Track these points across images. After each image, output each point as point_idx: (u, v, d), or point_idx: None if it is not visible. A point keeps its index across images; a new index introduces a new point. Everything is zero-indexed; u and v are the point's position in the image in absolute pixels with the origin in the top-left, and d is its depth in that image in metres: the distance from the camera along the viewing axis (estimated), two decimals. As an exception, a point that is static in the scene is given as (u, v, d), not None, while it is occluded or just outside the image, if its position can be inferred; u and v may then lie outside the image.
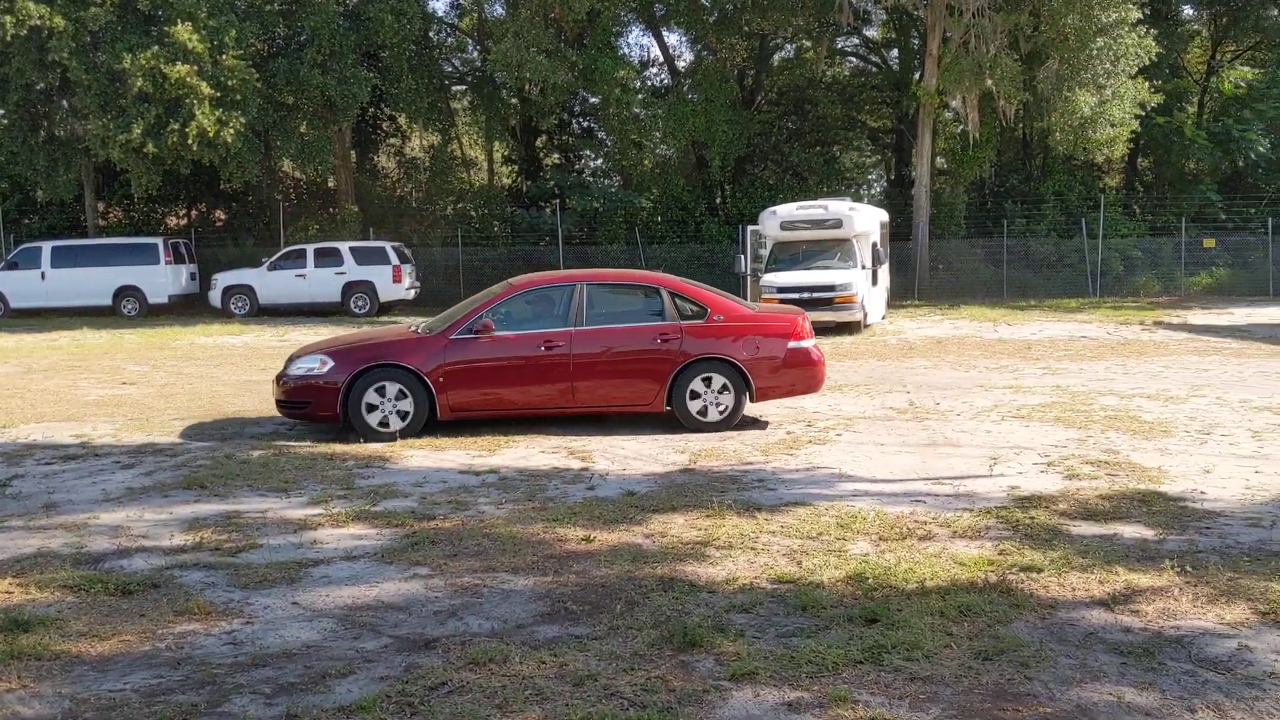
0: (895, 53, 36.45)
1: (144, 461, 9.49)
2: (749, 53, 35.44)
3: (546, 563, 6.35)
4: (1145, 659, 4.90)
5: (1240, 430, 10.50)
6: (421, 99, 30.27)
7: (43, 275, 26.89)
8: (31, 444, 10.47)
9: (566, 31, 30.20)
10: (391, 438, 10.20)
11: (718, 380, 10.67)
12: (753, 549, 6.61)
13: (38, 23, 23.63)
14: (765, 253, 22.97)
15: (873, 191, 37.85)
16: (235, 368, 16.68)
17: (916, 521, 7.25)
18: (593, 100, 32.74)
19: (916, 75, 31.90)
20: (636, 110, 32.77)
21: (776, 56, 36.37)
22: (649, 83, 35.36)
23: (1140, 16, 27.69)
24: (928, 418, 11.43)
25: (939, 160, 35.41)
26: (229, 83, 24.55)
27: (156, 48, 24.21)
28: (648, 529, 7.07)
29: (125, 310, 27.07)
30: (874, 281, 22.53)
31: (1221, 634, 5.20)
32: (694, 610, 5.50)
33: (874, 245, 22.65)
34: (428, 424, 10.46)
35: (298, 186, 34.94)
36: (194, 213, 34.14)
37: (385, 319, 26.56)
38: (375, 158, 35.90)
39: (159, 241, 27.63)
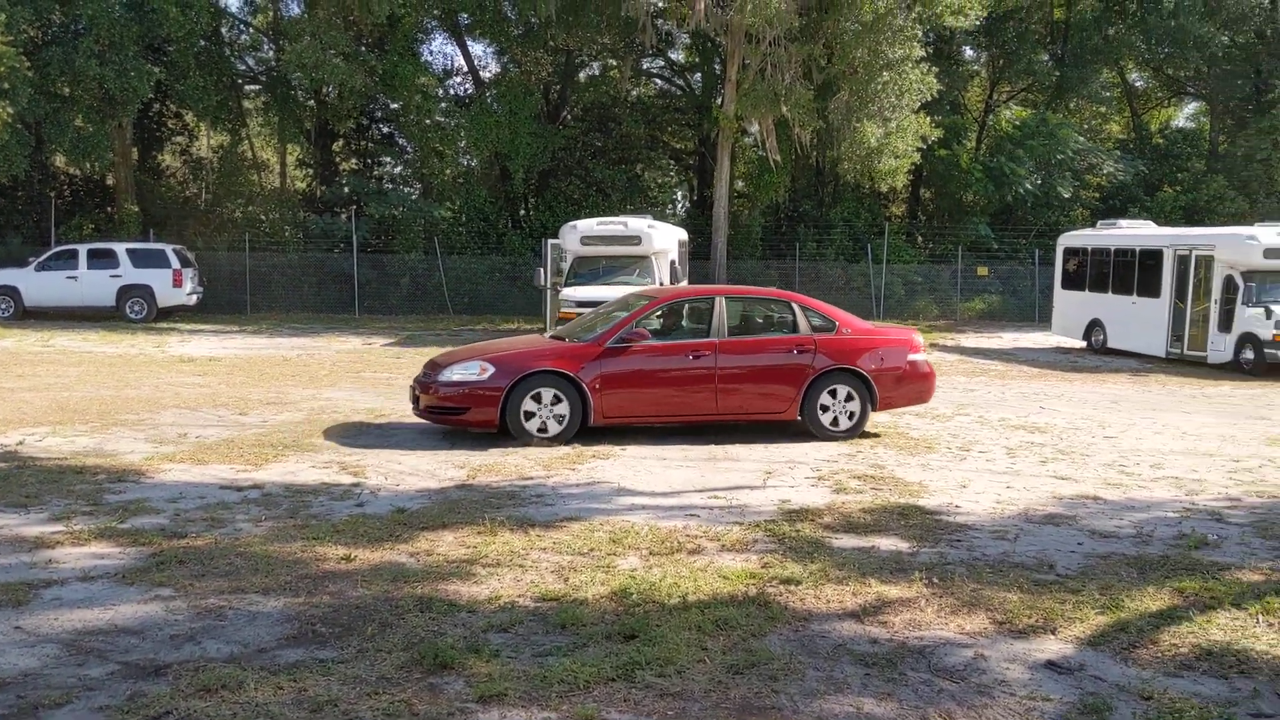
0: (699, 77, 37.14)
1: None
2: (555, 68, 35.46)
3: (300, 583, 6.07)
4: (888, 669, 5.05)
5: (997, 447, 11.09)
6: (210, 96, 28.91)
7: None
8: None
9: (366, 35, 29.49)
10: (549, 443, 10.46)
11: (845, 391, 11.22)
12: (520, 566, 6.51)
13: None
14: (565, 266, 22.95)
15: (676, 211, 38.39)
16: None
17: (688, 535, 7.31)
18: (394, 106, 31.99)
19: (718, 100, 32.63)
20: (439, 118, 32.27)
21: (583, 73, 36.51)
22: (452, 92, 34.87)
23: (924, 54, 29.12)
24: (706, 433, 11.58)
25: (739, 183, 36.34)
26: (-6, 69, 22.84)
27: (-89, 28, 22.31)
28: (413, 547, 6.86)
29: None
30: (671, 299, 22.81)
31: (960, 643, 5.41)
32: (450, 631, 5.35)
33: (672, 263, 22.93)
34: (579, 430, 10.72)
35: (73, 183, 32.77)
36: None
37: (164, 325, 25.24)
38: (160, 156, 34.04)
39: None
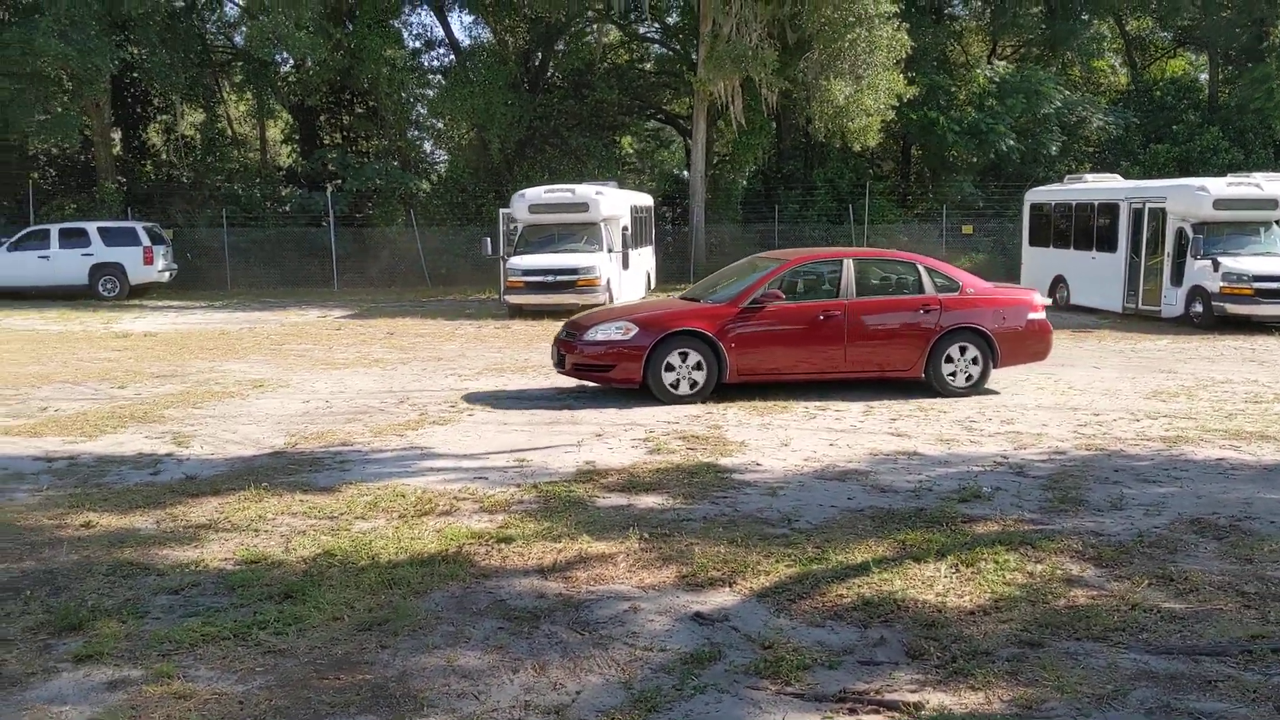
0: (677, 44, 36.87)
1: None
2: (534, 36, 35.33)
3: (20, 549, 6.20)
4: (527, 624, 5.09)
5: (859, 406, 11.00)
6: (178, 73, 29.13)
7: None
8: None
9: (333, 7, 29.52)
10: (687, 400, 11.03)
11: (968, 348, 11.56)
12: (254, 531, 6.60)
13: None
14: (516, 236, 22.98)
15: (655, 176, 38.25)
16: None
17: (454, 498, 7.36)
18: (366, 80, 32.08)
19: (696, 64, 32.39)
20: (418, 90, 32.33)
21: (560, 41, 36.33)
22: (436, 63, 34.93)
23: (895, 10, 28.66)
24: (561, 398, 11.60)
25: (721, 147, 36.09)
26: (-50, 51, 23.18)
27: None
28: (164, 513, 6.97)
29: None
30: (625, 265, 22.77)
31: (626, 597, 5.43)
32: (117, 593, 5.45)
33: (624, 229, 22.87)
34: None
35: (55, 163, 33.24)
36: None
37: (134, 302, 25.60)
38: (144, 135, 34.39)
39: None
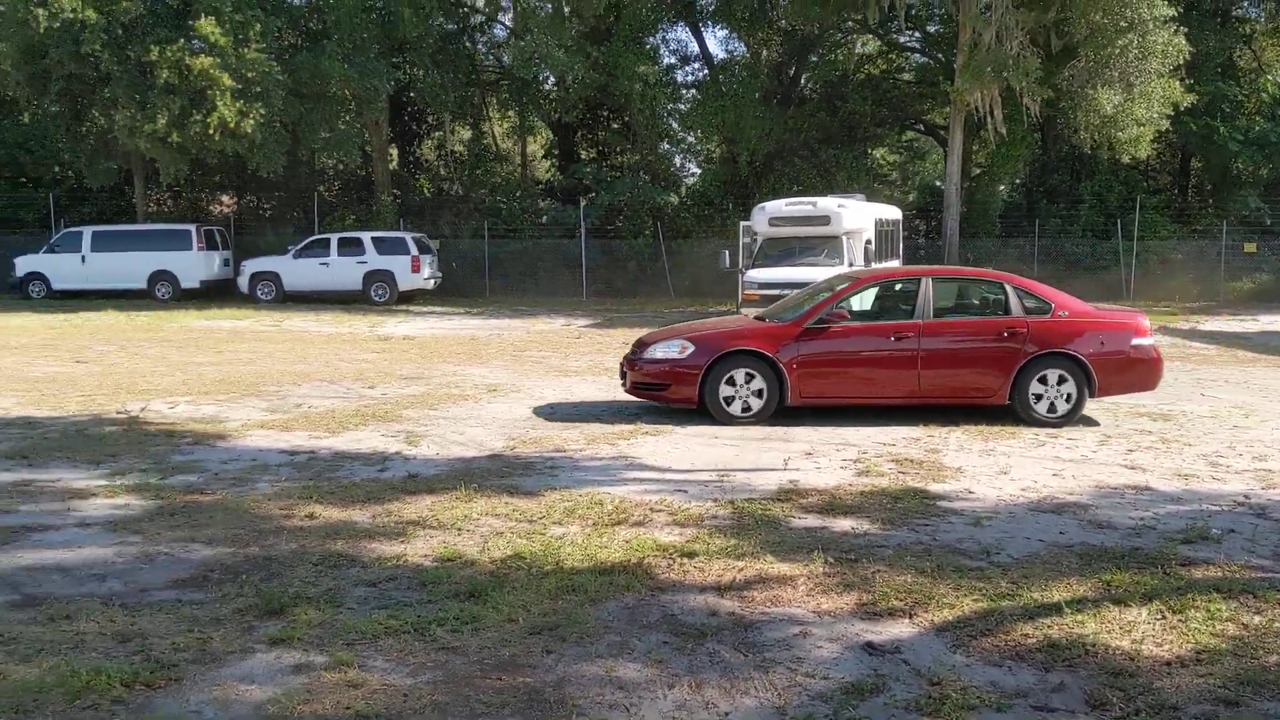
0: (939, 53, 35.89)
1: (3, 433, 10.17)
2: (787, 48, 35.30)
3: (247, 535, 6.75)
4: (692, 640, 5.09)
5: (1093, 435, 10.37)
6: (448, 93, 30.94)
7: (83, 259, 28.39)
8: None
9: (592, 26, 30.53)
10: (747, 421, 10.77)
11: (1058, 375, 10.81)
12: (457, 529, 6.91)
13: (70, 15, 24.90)
14: (755, 248, 23.01)
15: (912, 188, 37.34)
16: (195, 350, 17.43)
17: (650, 509, 7.45)
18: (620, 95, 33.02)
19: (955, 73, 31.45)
20: (670, 105, 32.98)
21: (814, 53, 36.12)
22: (690, 78, 35.56)
23: (1173, 14, 26.82)
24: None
25: (981, 158, 34.86)
26: (248, 74, 25.52)
27: (183, 40, 25.32)
28: (383, 508, 7.41)
29: (159, 294, 28.38)
30: (867, 279, 22.36)
31: (799, 621, 5.34)
32: (321, 582, 5.84)
33: (867, 243, 22.47)
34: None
35: (340, 177, 36.02)
36: (238, 201, 35.48)
37: (401, 307, 27.37)
38: (418, 151, 36.74)
39: (192, 228, 28.87)
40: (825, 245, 22.12)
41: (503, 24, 35.95)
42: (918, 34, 37.16)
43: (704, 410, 10.92)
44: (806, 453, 9.51)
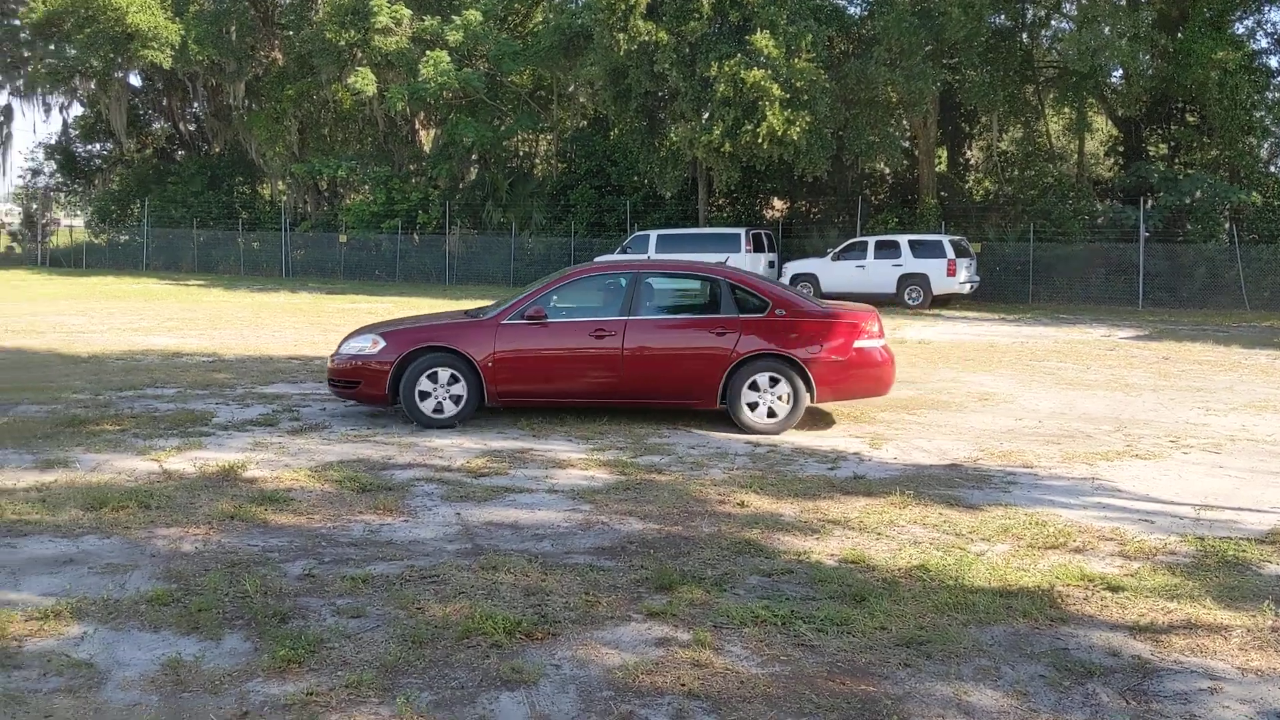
0: None
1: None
2: None
3: (678, 515, 7.17)
4: (1073, 677, 4.62)
5: None
6: (998, 91, 29.96)
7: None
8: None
9: (1160, 12, 27.96)
10: (444, 425, 10.17)
11: (779, 380, 10.14)
12: (876, 534, 6.81)
13: (646, 38, 27.64)
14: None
15: None
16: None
17: (1097, 537, 6.81)
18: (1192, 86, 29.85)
19: None
20: (1255, 95, 29.30)
21: None
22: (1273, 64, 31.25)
23: None
24: (1337, 448, 9.77)
25: None
26: (797, 84, 26.64)
27: (740, 54, 27.08)
28: (812, 504, 7.49)
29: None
30: None
31: (1214, 675, 4.64)
32: (723, 566, 6.06)
33: None
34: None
35: (884, 180, 36.33)
36: (789, 206, 37.13)
37: (933, 311, 27.09)
38: (966, 152, 36.01)
39: (741, 232, 30.75)
40: None
41: (1063, 16, 34.07)
42: None
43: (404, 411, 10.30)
44: (1327, 494, 8.08)
